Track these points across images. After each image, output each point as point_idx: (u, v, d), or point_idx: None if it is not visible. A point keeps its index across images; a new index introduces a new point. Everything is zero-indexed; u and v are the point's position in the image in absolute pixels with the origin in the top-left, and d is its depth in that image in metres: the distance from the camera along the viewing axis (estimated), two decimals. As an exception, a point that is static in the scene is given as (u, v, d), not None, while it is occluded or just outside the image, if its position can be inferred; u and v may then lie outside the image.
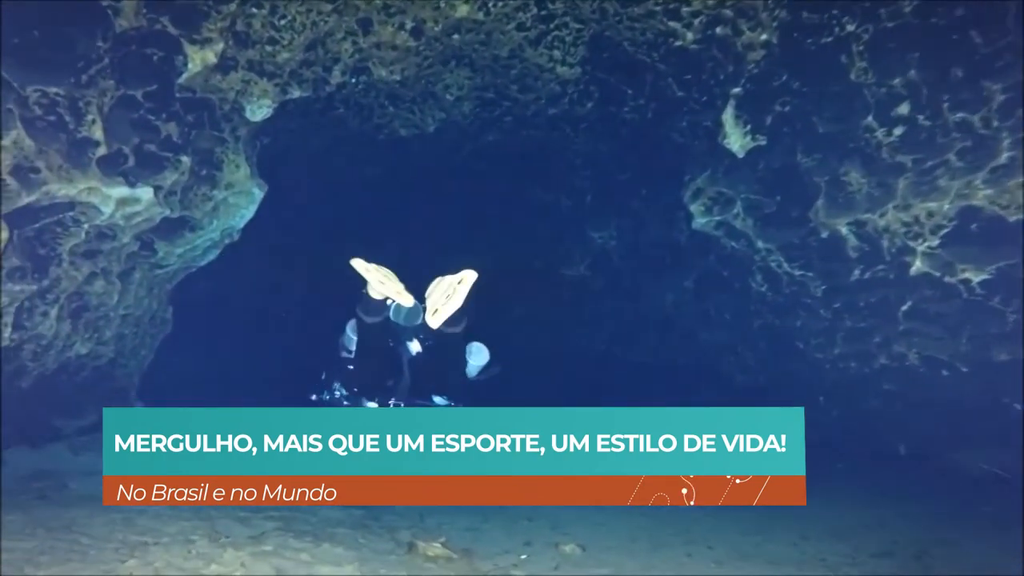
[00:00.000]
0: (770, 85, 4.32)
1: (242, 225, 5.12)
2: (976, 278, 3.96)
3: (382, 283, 4.11)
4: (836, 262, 4.65)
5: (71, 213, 4.00)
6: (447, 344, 4.22)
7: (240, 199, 4.95)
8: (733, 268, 5.69)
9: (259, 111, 4.48)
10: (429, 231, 7.45)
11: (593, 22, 4.51)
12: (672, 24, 4.24)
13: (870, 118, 4.12)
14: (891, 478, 5.06)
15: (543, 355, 8.05)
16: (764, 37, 4.12)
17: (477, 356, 4.44)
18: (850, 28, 3.94)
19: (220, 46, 4.08)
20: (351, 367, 4.40)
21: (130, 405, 5.51)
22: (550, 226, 7.14)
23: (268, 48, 4.23)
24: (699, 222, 5.21)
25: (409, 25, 4.38)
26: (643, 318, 7.11)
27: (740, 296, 5.77)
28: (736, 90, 4.41)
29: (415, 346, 4.43)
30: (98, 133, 3.90)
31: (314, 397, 4.79)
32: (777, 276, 5.11)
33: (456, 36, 4.55)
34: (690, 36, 4.28)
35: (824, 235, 4.61)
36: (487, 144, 6.17)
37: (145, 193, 4.20)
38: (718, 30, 4.18)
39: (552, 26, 4.57)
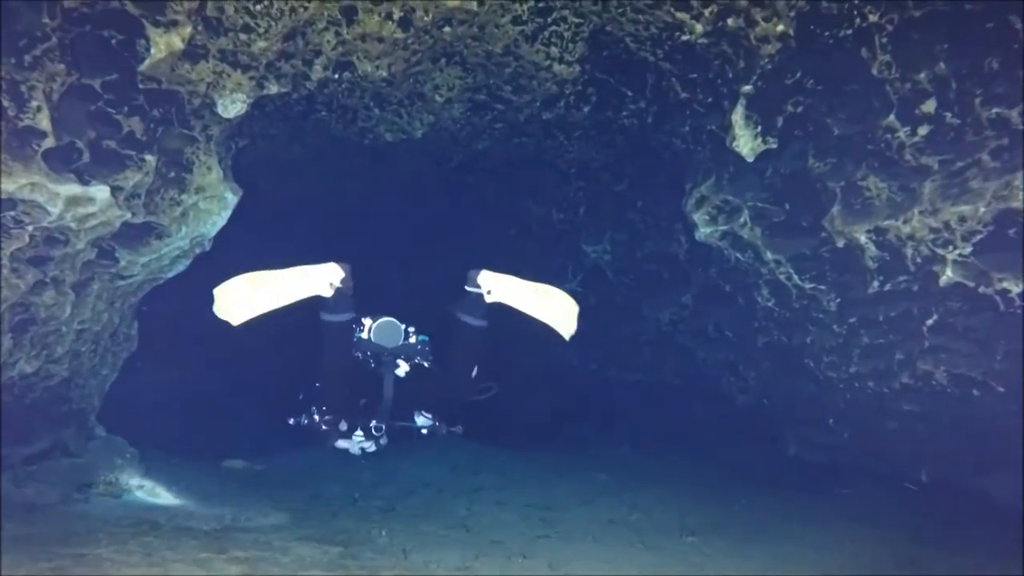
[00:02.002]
0: (783, 83, 3.88)
1: (214, 233, 4.55)
2: (1016, 288, 3.50)
3: (303, 278, 3.67)
4: (852, 273, 4.19)
5: (12, 212, 3.41)
6: (469, 337, 3.75)
7: (212, 204, 4.38)
8: (736, 282, 5.21)
9: (232, 107, 3.94)
10: (414, 244, 6.93)
11: (594, 15, 4.05)
12: (680, 15, 3.79)
13: (892, 117, 3.68)
14: (912, 507, 4.55)
15: (533, 374, 7.52)
16: (780, 28, 3.67)
17: None
18: (873, 18, 3.51)
19: (188, 31, 3.55)
20: (319, 386, 3.92)
21: (89, 429, 4.85)
22: (542, 240, 6.64)
23: (242, 36, 3.71)
24: (703, 232, 4.73)
25: (397, 15, 3.88)
26: (639, 336, 6.60)
27: (744, 312, 5.29)
28: (747, 88, 3.96)
29: (402, 367, 3.98)
30: (44, 122, 3.33)
31: (292, 421, 4.27)
32: (786, 289, 4.63)
33: (447, 29, 4.06)
34: (699, 28, 3.83)
35: (839, 244, 4.15)
36: (477, 152, 5.68)
37: (100, 192, 3.61)
38: (730, 21, 3.73)
39: (550, 20, 4.11)
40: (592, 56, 4.40)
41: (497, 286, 3.63)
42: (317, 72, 4.08)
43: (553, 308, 3.70)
